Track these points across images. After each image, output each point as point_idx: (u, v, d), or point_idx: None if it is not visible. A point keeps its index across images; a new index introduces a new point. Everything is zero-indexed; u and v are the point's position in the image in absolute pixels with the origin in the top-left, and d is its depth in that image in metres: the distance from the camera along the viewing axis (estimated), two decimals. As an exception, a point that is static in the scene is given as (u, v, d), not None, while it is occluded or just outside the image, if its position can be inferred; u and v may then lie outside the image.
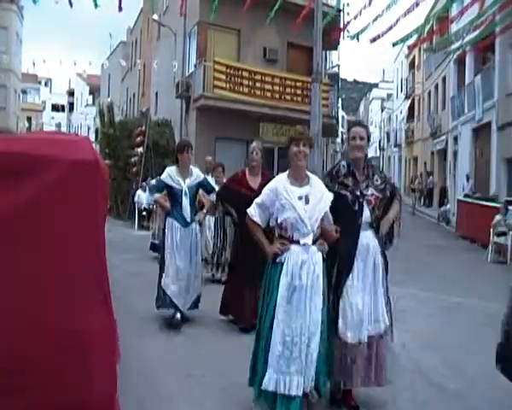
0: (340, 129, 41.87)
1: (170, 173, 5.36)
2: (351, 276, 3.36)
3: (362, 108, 62.64)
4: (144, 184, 15.46)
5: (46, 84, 59.81)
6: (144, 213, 15.17)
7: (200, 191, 5.79)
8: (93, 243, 2.53)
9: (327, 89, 17.27)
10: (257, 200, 3.28)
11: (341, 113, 45.96)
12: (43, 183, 2.38)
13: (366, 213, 3.40)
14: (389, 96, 46.17)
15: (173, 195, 5.36)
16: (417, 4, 10.79)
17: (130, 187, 17.62)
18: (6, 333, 2.31)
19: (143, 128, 17.13)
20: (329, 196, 3.26)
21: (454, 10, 16.34)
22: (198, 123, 16.92)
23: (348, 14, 16.39)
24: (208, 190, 5.72)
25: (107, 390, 2.59)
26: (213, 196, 5.67)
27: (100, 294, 2.59)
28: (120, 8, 10.69)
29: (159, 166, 15.67)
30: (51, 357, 2.38)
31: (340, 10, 15.47)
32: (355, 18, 12.21)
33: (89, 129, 44.64)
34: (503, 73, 16.04)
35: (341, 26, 15.17)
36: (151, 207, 14.05)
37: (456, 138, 21.78)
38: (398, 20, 11.36)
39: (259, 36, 17.27)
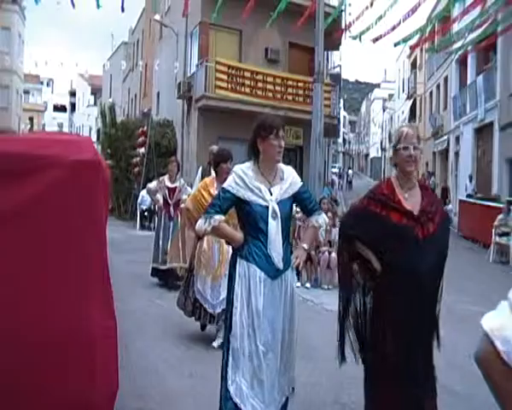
0: (342, 129, 41.81)
1: (243, 176, 2.90)
2: None
3: (363, 109, 62.61)
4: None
5: (48, 85, 59.91)
6: (146, 213, 15.21)
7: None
8: (94, 242, 2.53)
9: (328, 89, 17.25)
10: None
11: (343, 113, 45.94)
12: (45, 183, 2.38)
13: None
14: (391, 96, 46.12)
15: (251, 217, 2.88)
16: (419, 4, 10.77)
17: (132, 187, 17.65)
18: (8, 333, 2.31)
19: (145, 128, 17.16)
20: None
21: (456, 10, 16.31)
22: (200, 123, 16.92)
23: (350, 14, 16.40)
24: (311, 208, 3.12)
25: (109, 389, 2.59)
26: (318, 220, 3.12)
27: (102, 293, 2.60)
28: (123, 9, 10.69)
29: (160, 167, 15.72)
30: (53, 357, 2.38)
31: (341, 10, 15.45)
32: (357, 18, 12.20)
33: (90, 129, 44.69)
34: (506, 72, 16.02)
35: (343, 26, 15.16)
36: (152, 207, 14.06)
37: (457, 138, 21.75)
38: (401, 21, 11.35)
39: (261, 36, 17.27)
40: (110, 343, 2.63)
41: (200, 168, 6.81)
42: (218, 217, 2.85)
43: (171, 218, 7.46)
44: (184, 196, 7.20)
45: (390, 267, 2.63)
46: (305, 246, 3.07)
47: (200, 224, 2.88)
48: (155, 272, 7.47)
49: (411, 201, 2.75)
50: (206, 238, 4.69)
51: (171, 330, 5.27)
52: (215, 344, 4.72)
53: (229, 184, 2.92)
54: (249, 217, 2.89)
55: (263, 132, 2.92)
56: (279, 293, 2.87)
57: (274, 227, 2.86)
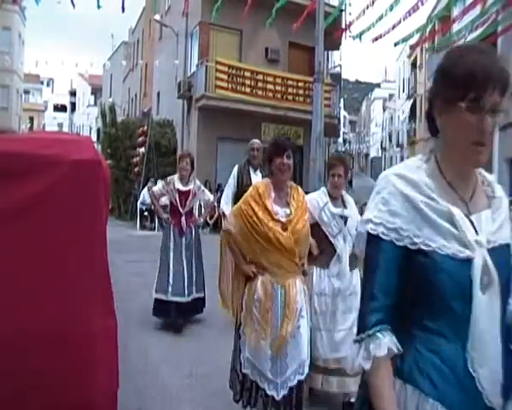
0: (342, 129, 41.82)
1: (409, 194, 1.20)
2: None
3: (364, 109, 62.61)
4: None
5: (48, 85, 59.93)
6: (146, 213, 15.23)
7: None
8: (95, 242, 2.53)
9: (329, 89, 17.25)
10: None
11: (343, 113, 45.93)
12: (45, 182, 2.38)
13: None
14: (391, 96, 46.14)
15: (431, 284, 1.17)
16: (423, 3, 10.75)
17: (132, 187, 17.68)
18: (8, 333, 2.31)
19: (145, 128, 17.19)
20: None
21: (456, 10, 16.32)
22: (200, 123, 16.94)
23: (350, 13, 16.41)
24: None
25: (109, 389, 2.59)
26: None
27: (102, 293, 2.59)
28: (123, 9, 10.68)
29: (161, 167, 15.75)
30: (53, 357, 2.38)
31: (341, 10, 15.46)
32: (357, 18, 12.20)
33: (91, 129, 44.71)
34: (506, 72, 16.03)
35: (343, 26, 15.16)
36: (153, 208, 14.07)
37: (458, 138, 21.77)
38: (401, 20, 11.34)
39: (261, 36, 17.28)
40: (110, 343, 2.62)
41: (236, 167, 5.44)
42: (387, 340, 1.20)
43: (182, 232, 5.48)
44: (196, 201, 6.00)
45: None
46: None
47: (359, 355, 1.22)
48: (160, 305, 5.40)
49: None
50: (260, 278, 2.94)
51: (172, 329, 5.27)
52: None
53: (376, 221, 1.25)
54: (425, 284, 1.21)
55: (447, 91, 1.21)
56: None
57: (485, 308, 1.18)
